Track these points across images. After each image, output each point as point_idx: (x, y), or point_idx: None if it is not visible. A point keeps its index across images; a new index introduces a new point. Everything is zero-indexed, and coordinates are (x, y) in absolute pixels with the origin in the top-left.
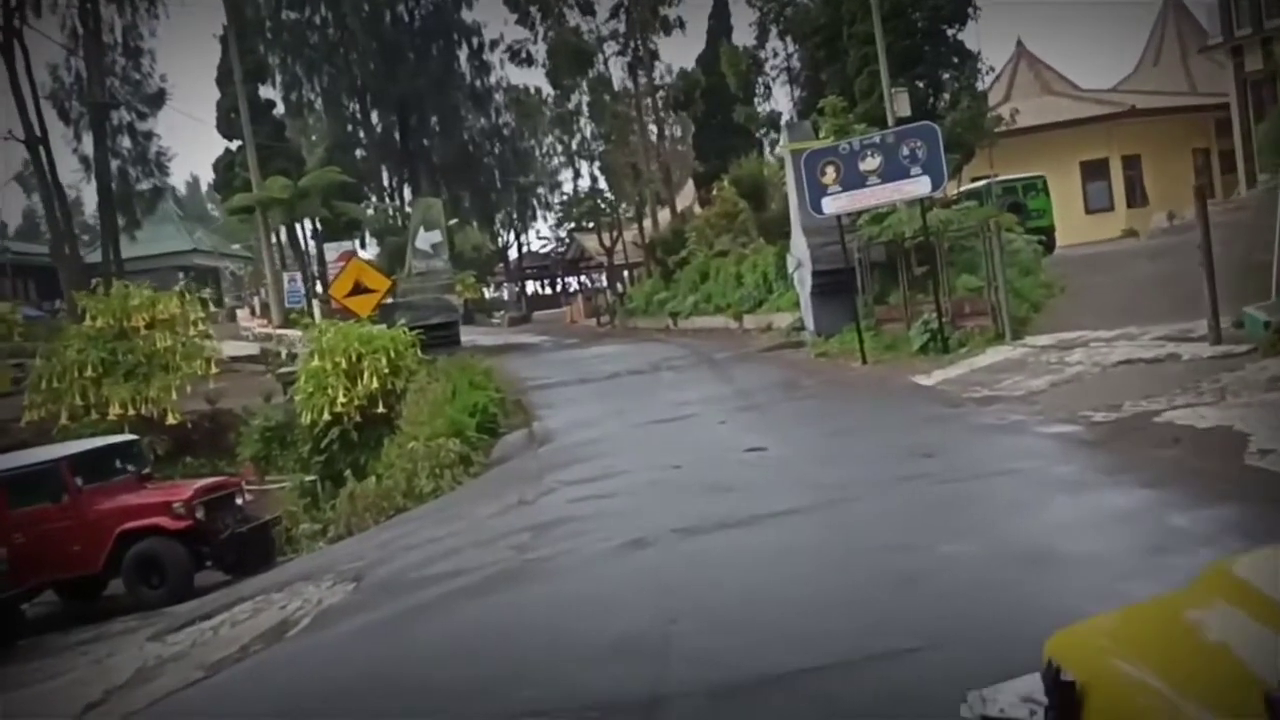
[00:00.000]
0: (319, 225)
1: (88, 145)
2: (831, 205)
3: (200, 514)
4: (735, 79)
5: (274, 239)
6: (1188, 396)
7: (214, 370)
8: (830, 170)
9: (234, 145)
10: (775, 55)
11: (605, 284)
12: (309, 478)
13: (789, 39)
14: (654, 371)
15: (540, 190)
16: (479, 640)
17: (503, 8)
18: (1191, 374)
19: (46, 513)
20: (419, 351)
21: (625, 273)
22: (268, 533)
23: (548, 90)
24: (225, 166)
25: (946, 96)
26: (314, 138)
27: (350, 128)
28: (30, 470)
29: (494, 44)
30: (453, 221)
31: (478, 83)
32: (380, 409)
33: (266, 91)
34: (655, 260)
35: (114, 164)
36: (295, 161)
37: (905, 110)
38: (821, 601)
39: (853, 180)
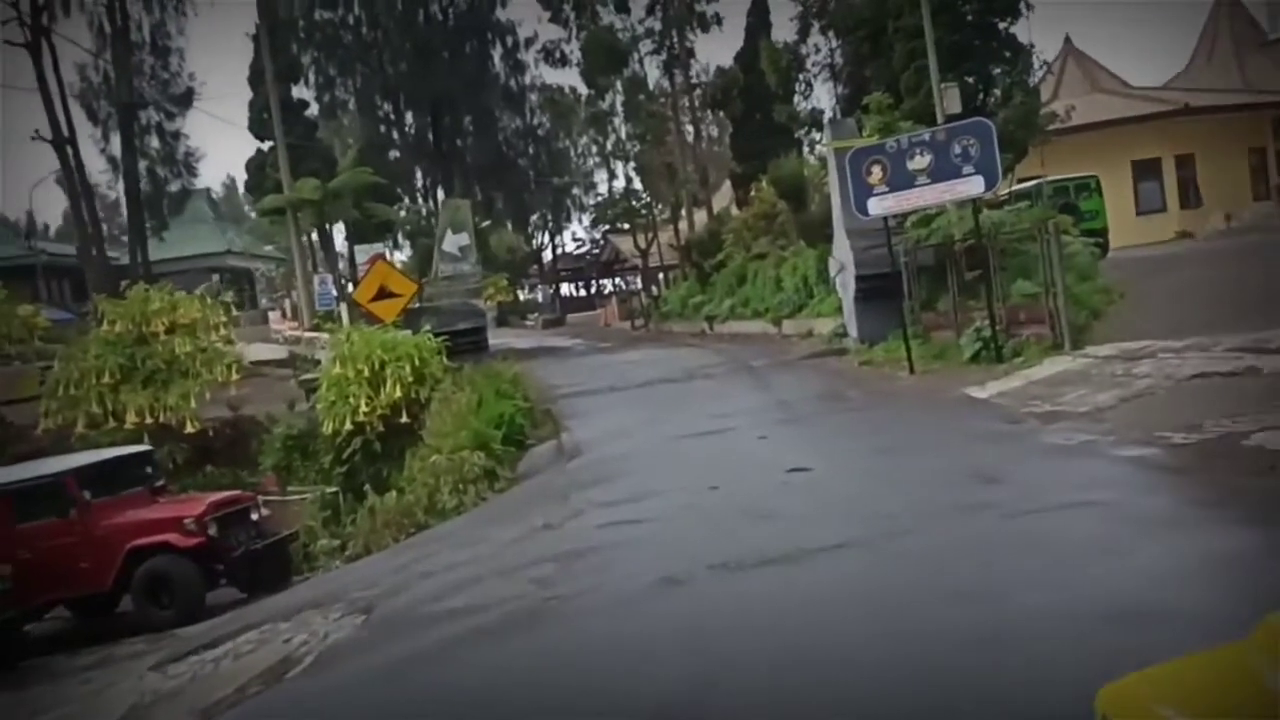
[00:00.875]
0: (351, 226)
1: (116, 146)
2: (877, 206)
3: (213, 530)
4: (775, 76)
5: (306, 240)
6: (1277, 417)
7: (235, 376)
8: (876, 169)
9: (266, 146)
10: (817, 51)
11: (640, 286)
12: (330, 489)
13: (831, 34)
14: (689, 379)
15: (575, 191)
16: (490, 693)
17: (537, 6)
18: (1276, 390)
19: (53, 528)
20: (444, 358)
21: (660, 275)
22: (284, 549)
23: (582, 90)
24: (257, 167)
25: (997, 92)
26: (349, 140)
27: (383, 128)
28: (36, 483)
29: (528, 43)
30: (485, 223)
31: (512, 82)
32: (404, 419)
33: (300, 92)
34: (691, 262)
35: (142, 165)
36: (327, 162)
37: (955, 106)
38: (881, 665)
39: (900, 180)
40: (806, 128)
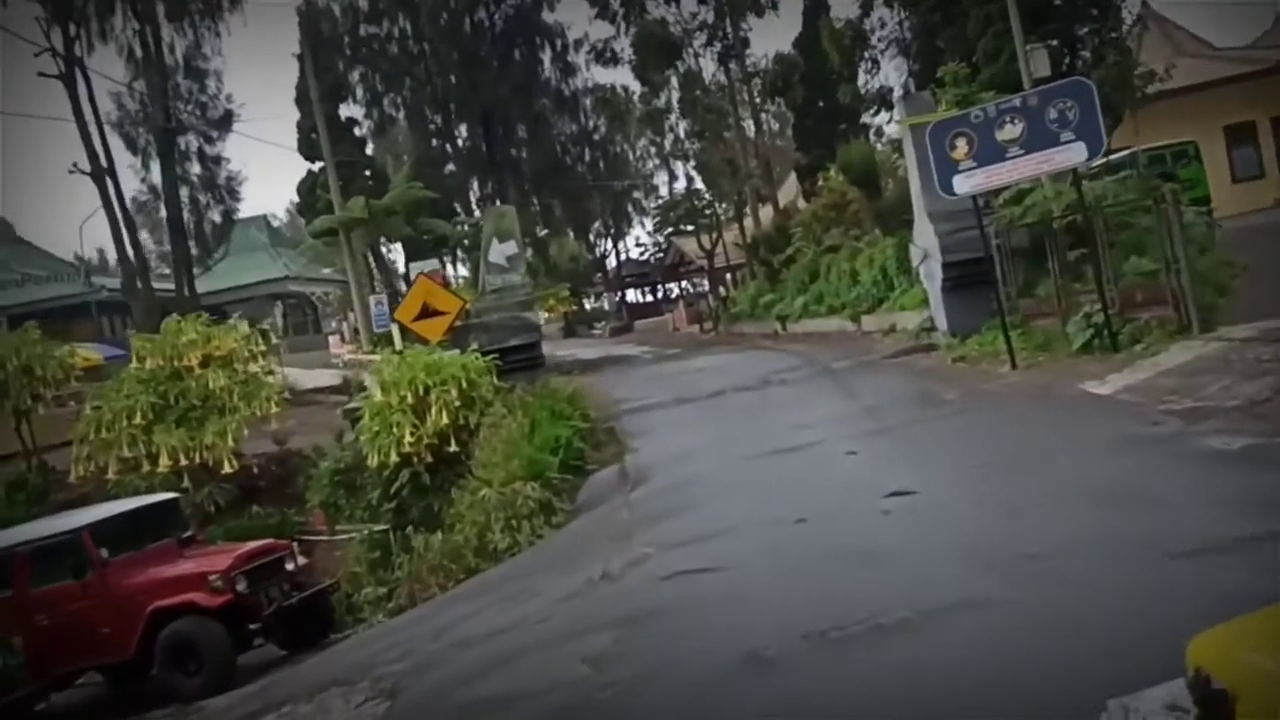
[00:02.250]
0: (406, 244)
1: (157, 174)
2: (965, 184)
3: (242, 586)
4: (838, 55)
5: (361, 261)
6: None
7: (275, 409)
8: (961, 143)
9: (316, 167)
10: (882, 26)
11: (707, 288)
12: (379, 528)
13: (898, 5)
14: (764, 387)
15: (635, 195)
16: None
17: (585, 6)
18: None
19: (69, 591)
20: (494, 378)
21: (727, 275)
22: (324, 602)
23: (636, 88)
24: (308, 189)
25: (1086, 54)
26: (402, 156)
27: (435, 142)
28: (50, 541)
29: (577, 44)
30: (544, 232)
31: (563, 86)
32: (452, 447)
33: (349, 110)
34: (759, 260)
35: (184, 192)
36: (380, 180)
37: (1044, 69)
38: None
39: (989, 153)
40: (874, 107)
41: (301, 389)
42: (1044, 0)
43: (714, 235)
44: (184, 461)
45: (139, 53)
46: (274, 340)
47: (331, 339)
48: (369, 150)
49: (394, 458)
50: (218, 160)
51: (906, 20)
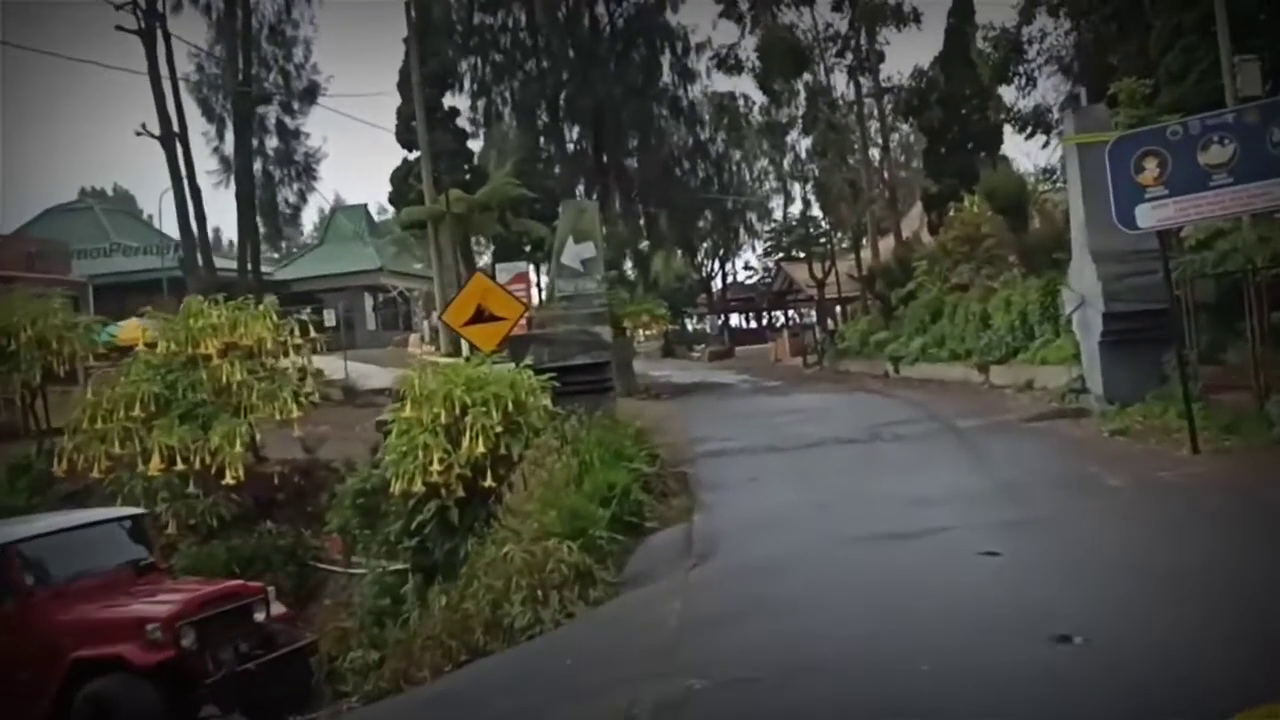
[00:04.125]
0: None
1: (230, 144)
2: (1151, 216)
3: (189, 640)
4: (988, 69)
5: (451, 257)
6: None
7: (295, 412)
8: (1151, 165)
9: (413, 156)
10: (1041, 38)
11: (814, 319)
12: (394, 567)
13: (1063, 14)
14: (873, 441)
15: (749, 217)
16: None
17: (710, 10)
18: None
19: None
20: (549, 402)
21: (837, 308)
22: (301, 666)
23: (757, 100)
24: (401, 178)
25: None
26: (507, 152)
27: (541, 140)
28: None
29: (700, 48)
30: (644, 244)
31: (681, 93)
32: (488, 481)
33: (455, 101)
34: (874, 294)
35: (258, 166)
36: (479, 175)
37: (1254, 87)
38: None
39: (1187, 179)
40: (1028, 128)
41: (363, 388)
42: (1249, 9)
43: (827, 264)
44: (179, 465)
45: (221, 7)
46: (314, 334)
47: (412, 337)
48: (470, 144)
49: (419, 487)
50: (296, 134)
51: (1072, 33)
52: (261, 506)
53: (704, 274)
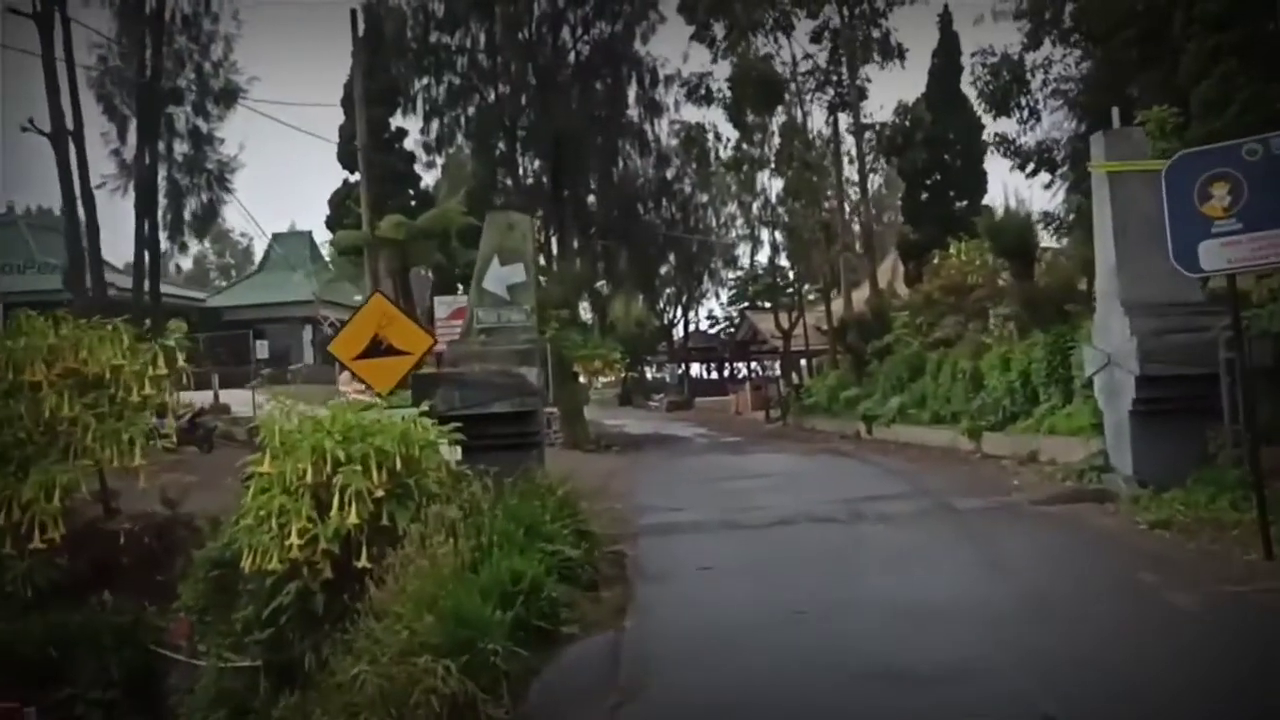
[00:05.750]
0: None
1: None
2: (1219, 256)
3: None
4: (988, 97)
5: (393, 287)
6: None
7: (139, 459)
8: (1221, 191)
9: (355, 177)
10: (1047, 67)
11: (777, 373)
12: (238, 663)
13: (1073, 39)
14: (854, 521)
15: (712, 264)
16: None
17: (681, 41)
18: None
19: None
20: (453, 459)
21: (802, 361)
22: None
23: (727, 134)
24: (339, 200)
25: None
26: (459, 179)
27: (498, 170)
28: None
29: (669, 80)
30: (601, 283)
31: (647, 126)
32: (362, 561)
33: (407, 124)
34: (846, 347)
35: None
36: (425, 202)
37: None
38: None
39: (1267, 211)
40: (1029, 165)
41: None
42: None
43: (794, 314)
44: None
45: None
46: (182, 361)
47: (342, 374)
48: (420, 169)
49: (275, 564)
50: (210, 140)
51: (1084, 62)
52: (100, 573)
53: (665, 321)
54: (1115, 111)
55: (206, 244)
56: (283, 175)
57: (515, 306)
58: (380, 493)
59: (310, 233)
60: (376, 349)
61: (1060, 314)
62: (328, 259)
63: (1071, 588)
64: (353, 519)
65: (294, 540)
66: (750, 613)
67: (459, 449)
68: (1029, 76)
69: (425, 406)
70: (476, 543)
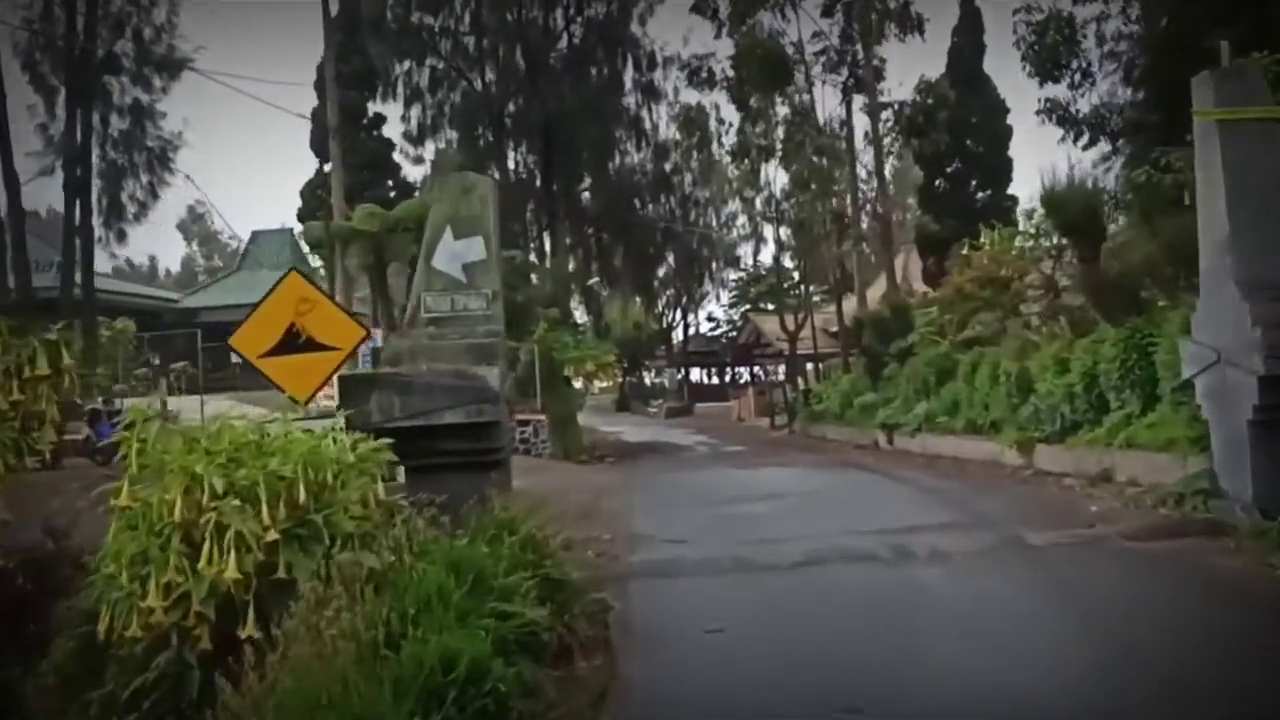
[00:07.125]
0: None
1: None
2: None
3: None
4: (1033, 60)
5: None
6: None
7: None
8: None
9: (329, 167)
10: (1100, 21)
11: (782, 377)
12: None
13: None
14: (900, 562)
15: (714, 261)
16: None
17: (680, 24)
18: None
19: None
20: (380, 488)
21: (809, 365)
22: None
23: (729, 118)
24: (311, 191)
25: None
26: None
27: (484, 160)
28: None
29: (667, 62)
30: (594, 280)
31: (644, 113)
32: (247, 628)
33: (386, 110)
34: (860, 349)
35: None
36: (405, 193)
37: None
38: None
39: None
40: (1086, 135)
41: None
42: None
43: (801, 315)
44: None
45: None
46: (68, 360)
47: None
48: (400, 159)
49: (134, 630)
50: (151, 114)
51: (1141, 20)
52: None
53: (664, 323)
54: (1225, 46)
55: (194, 246)
56: (266, 165)
57: (473, 291)
58: (278, 532)
59: (291, 230)
60: (293, 343)
61: (1134, 304)
62: (309, 256)
63: (1218, 670)
64: (231, 571)
65: (155, 600)
66: (781, 708)
67: (402, 471)
68: (1080, 36)
69: (343, 417)
70: (398, 607)
